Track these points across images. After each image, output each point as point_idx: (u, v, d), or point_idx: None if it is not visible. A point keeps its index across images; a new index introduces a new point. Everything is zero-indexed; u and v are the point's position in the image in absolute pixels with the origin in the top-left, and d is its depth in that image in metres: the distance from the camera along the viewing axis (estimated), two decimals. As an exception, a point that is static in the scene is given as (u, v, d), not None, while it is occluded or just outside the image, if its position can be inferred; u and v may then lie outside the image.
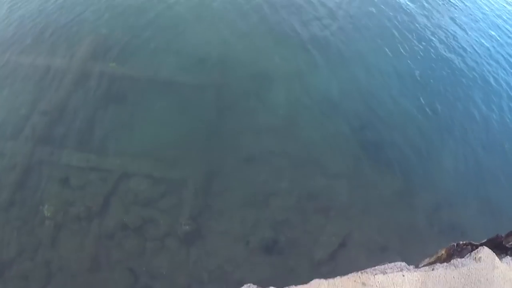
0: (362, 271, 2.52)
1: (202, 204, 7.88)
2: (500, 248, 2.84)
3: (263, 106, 9.62)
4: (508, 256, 2.76)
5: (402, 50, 11.54)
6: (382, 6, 13.14)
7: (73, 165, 8.27)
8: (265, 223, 7.74)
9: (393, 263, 2.64)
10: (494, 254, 2.62)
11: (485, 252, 2.59)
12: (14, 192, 7.88)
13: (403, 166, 8.90)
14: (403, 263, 2.66)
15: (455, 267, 2.58)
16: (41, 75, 9.92)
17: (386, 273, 2.52)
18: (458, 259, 2.64)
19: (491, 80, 11.17)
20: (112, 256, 7.22)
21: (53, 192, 7.90)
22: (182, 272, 7.10)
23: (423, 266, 2.78)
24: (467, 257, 2.63)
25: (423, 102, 10.18)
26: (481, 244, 2.87)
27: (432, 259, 3.05)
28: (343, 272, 2.70)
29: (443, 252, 2.99)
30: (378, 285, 2.49)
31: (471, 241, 2.93)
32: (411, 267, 2.69)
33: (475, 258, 2.57)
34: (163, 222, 7.61)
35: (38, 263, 7.08)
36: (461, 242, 2.95)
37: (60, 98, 9.41)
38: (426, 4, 13.70)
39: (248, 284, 2.77)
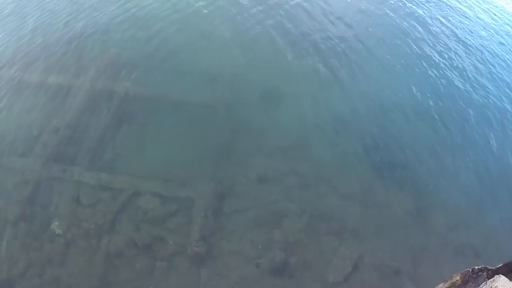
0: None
1: (213, 224, 7.82)
2: (516, 273, 2.74)
3: (274, 125, 9.60)
4: (525, 284, 2.65)
5: (416, 69, 11.46)
6: (396, 24, 13.10)
7: (84, 182, 8.31)
8: (276, 244, 7.65)
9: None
10: (511, 282, 2.52)
11: (501, 281, 2.49)
12: (25, 208, 7.93)
13: (416, 186, 8.78)
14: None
15: (469, 296, 2.49)
16: (54, 93, 10.05)
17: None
18: (473, 288, 2.55)
19: (505, 99, 11.01)
20: (121, 274, 7.20)
21: (64, 209, 7.93)
22: (192, 292, 7.04)
23: (437, 294, 2.69)
24: (483, 286, 2.53)
25: (436, 121, 10.06)
26: (497, 269, 2.77)
27: (447, 285, 2.95)
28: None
29: (458, 278, 2.90)
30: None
31: (487, 266, 2.84)
32: (426, 295, 2.61)
33: (491, 287, 2.47)
34: (173, 242, 7.56)
35: (46, 279, 7.08)
36: (476, 267, 2.85)
37: (72, 116, 9.50)
38: (442, 20, 13.60)
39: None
